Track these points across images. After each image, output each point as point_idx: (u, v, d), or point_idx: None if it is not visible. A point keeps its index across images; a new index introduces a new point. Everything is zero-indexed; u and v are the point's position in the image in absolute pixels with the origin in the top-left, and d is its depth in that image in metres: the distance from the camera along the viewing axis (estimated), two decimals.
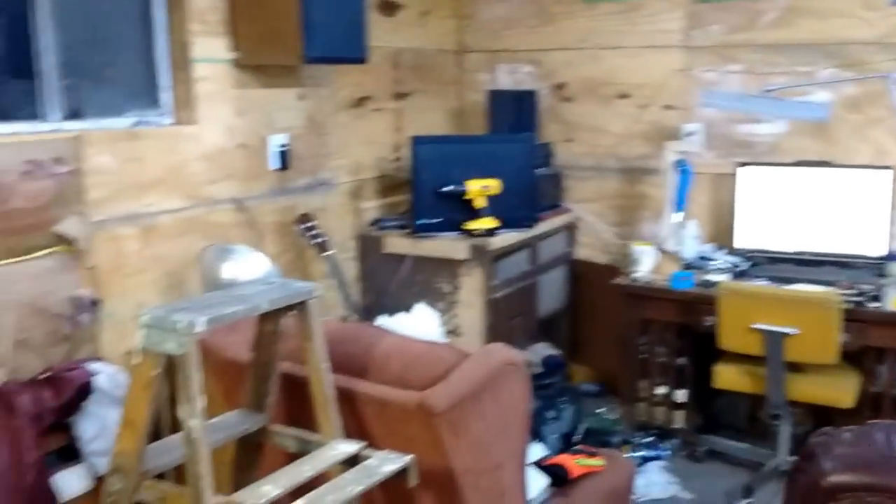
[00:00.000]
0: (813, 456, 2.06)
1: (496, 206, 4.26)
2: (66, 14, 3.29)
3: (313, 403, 2.32)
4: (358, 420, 2.38)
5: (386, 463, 2.20)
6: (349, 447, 2.26)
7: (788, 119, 4.49)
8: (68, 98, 3.32)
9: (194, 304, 2.13)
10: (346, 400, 2.36)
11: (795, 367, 3.79)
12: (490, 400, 2.32)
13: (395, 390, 2.30)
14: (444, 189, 4.20)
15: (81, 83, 3.40)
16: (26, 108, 3.22)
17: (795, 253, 4.32)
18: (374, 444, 2.33)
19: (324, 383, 2.29)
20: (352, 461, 2.25)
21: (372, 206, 4.70)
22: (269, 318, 2.33)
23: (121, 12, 3.57)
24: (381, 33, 4.61)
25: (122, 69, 3.62)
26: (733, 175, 4.45)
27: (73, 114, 3.35)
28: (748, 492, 3.85)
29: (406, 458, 2.21)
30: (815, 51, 4.40)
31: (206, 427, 2.01)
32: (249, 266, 3.31)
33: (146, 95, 3.65)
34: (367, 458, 2.24)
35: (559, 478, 2.88)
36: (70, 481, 2.91)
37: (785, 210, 4.35)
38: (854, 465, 2.05)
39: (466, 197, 4.22)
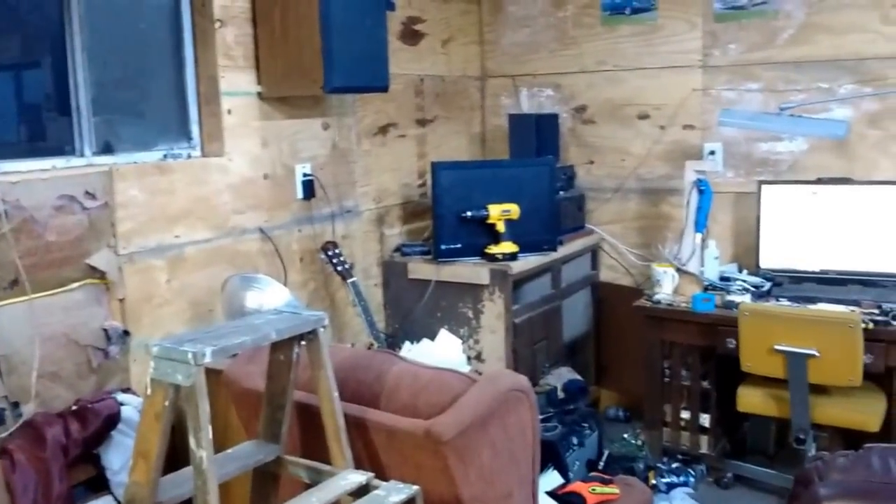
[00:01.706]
0: (809, 482, 2.06)
1: (518, 230, 4.30)
2: (99, 52, 3.39)
3: (325, 433, 2.34)
4: (370, 449, 2.40)
5: (393, 493, 2.21)
6: (358, 477, 2.28)
7: (807, 137, 4.46)
8: (101, 133, 3.42)
9: (203, 335, 2.16)
10: (358, 429, 2.38)
11: (820, 390, 3.73)
12: (498, 427, 2.32)
13: (403, 419, 2.30)
14: (466, 214, 4.24)
15: (114, 118, 3.50)
16: (63, 144, 3.33)
17: (820, 272, 4.26)
18: (385, 473, 2.35)
19: (334, 413, 2.31)
20: (361, 491, 2.26)
21: (396, 233, 4.76)
22: (281, 347, 2.36)
23: (152, 50, 3.68)
24: (404, 61, 4.70)
25: (154, 104, 3.72)
26: (754, 194, 4.41)
27: (106, 148, 3.45)
28: None
29: (413, 489, 2.23)
30: (834, 67, 4.40)
31: (216, 458, 2.05)
32: (269, 295, 3.35)
33: (177, 129, 3.74)
34: (375, 488, 2.26)
35: None
36: None
37: (807, 228, 4.30)
38: (849, 492, 2.03)
39: (488, 221, 4.26)
